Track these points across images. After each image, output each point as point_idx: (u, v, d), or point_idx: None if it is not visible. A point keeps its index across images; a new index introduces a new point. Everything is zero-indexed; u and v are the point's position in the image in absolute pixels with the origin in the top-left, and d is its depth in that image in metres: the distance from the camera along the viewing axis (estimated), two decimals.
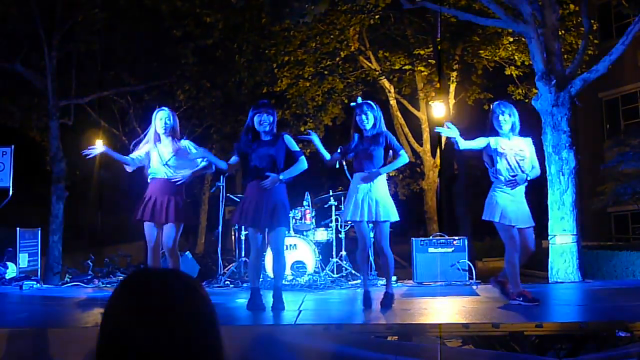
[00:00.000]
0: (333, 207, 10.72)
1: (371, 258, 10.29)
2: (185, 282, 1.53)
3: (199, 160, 7.52)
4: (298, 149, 7.10)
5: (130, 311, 1.44)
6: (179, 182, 7.35)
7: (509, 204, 6.99)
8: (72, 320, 6.64)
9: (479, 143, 7.22)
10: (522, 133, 7.30)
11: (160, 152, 7.41)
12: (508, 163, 7.09)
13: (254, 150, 6.91)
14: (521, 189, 7.13)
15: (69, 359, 4.96)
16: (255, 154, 6.89)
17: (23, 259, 10.99)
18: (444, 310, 7.05)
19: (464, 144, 7.17)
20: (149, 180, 7.46)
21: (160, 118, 7.55)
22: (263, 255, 7.12)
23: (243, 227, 10.29)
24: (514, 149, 7.12)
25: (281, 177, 6.86)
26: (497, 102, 7.39)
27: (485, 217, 7.15)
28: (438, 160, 20.65)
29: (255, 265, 7.03)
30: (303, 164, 7.09)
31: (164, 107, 7.76)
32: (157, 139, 7.51)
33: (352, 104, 7.52)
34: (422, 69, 20.10)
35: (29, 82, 17.17)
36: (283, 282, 8.13)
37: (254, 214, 6.78)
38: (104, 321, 1.48)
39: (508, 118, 7.16)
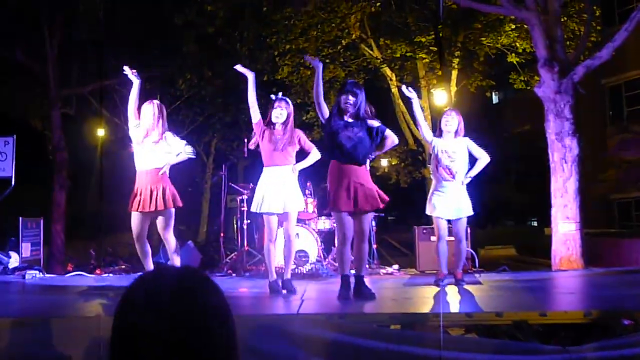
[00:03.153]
0: None
1: (373, 246, 10.30)
2: (199, 278, 1.52)
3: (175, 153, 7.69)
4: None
5: (144, 309, 1.43)
6: (162, 171, 7.50)
7: (440, 199, 7.93)
8: (74, 310, 6.63)
9: (425, 128, 8.27)
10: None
11: (147, 144, 7.51)
12: (441, 163, 7.95)
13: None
14: (456, 185, 7.93)
15: (71, 348, 4.95)
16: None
17: (26, 249, 10.98)
18: (447, 298, 7.03)
19: (416, 111, 8.13)
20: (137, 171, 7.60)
21: (147, 110, 7.60)
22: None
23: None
24: (448, 151, 7.95)
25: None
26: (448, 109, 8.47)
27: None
28: None
29: (344, 252, 6.86)
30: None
31: (153, 100, 7.78)
32: (147, 133, 7.57)
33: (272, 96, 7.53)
34: (424, 56, 20.06)
35: (30, 72, 17.16)
36: None
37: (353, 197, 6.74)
38: (118, 318, 1.46)
39: (451, 121, 8.06)
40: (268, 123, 7.36)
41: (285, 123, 7.32)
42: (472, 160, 8.16)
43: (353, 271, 6.79)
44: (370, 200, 6.72)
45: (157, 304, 1.43)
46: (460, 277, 7.92)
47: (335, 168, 6.79)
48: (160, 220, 7.51)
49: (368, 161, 7.13)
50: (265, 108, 7.59)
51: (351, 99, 6.78)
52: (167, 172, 7.57)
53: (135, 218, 7.46)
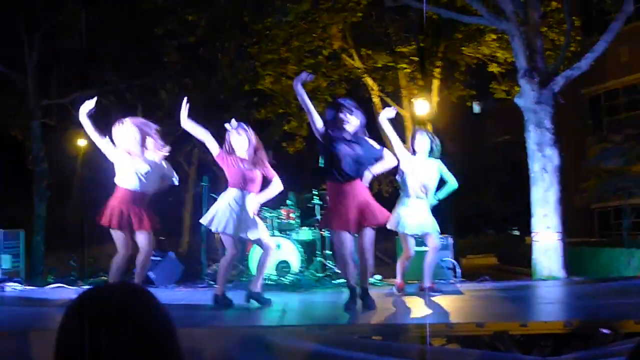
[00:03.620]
0: (317, 206, 10.69)
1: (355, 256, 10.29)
2: (138, 294, 1.52)
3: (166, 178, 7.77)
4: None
5: (83, 331, 1.43)
6: (149, 194, 7.54)
7: (406, 214, 8.08)
8: (55, 322, 6.57)
9: (397, 145, 8.00)
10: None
11: (135, 163, 7.45)
12: (413, 180, 8.10)
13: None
14: (424, 202, 8.17)
15: None
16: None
17: (6, 261, 10.90)
18: (429, 309, 7.04)
19: (385, 126, 7.80)
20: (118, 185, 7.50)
21: (128, 130, 7.53)
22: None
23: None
24: (421, 170, 8.14)
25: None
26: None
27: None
28: None
29: (347, 268, 6.85)
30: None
31: (127, 119, 7.71)
32: (134, 150, 7.51)
33: (226, 124, 7.44)
34: (405, 66, 20.09)
35: (10, 82, 17.06)
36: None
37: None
38: (59, 341, 1.46)
39: (422, 141, 8.24)
40: (229, 151, 7.27)
41: (248, 150, 7.25)
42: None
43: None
44: (369, 216, 6.71)
45: (95, 320, 1.43)
46: (430, 288, 8.12)
47: (334, 187, 6.78)
48: (140, 241, 7.42)
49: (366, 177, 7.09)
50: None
51: (349, 117, 6.76)
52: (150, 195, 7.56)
53: (117, 236, 7.39)
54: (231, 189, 7.19)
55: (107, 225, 7.35)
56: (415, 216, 8.06)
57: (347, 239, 6.70)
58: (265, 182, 7.44)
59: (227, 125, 7.35)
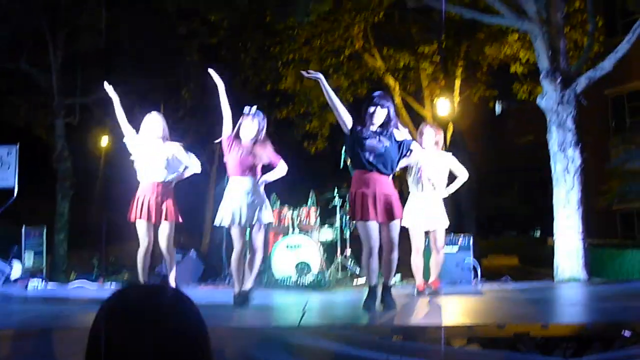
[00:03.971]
0: (337, 206, 10.68)
1: None
2: (172, 296, 1.53)
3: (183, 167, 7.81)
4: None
5: (116, 330, 1.44)
6: (169, 184, 7.69)
7: (417, 210, 8.12)
8: (76, 321, 6.61)
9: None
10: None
11: (152, 155, 7.62)
12: (424, 174, 8.19)
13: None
14: (435, 197, 8.25)
15: None
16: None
17: (28, 258, 11.00)
18: (449, 310, 7.03)
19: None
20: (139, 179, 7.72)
21: (155, 121, 7.73)
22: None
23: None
24: (431, 164, 8.22)
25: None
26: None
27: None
28: None
29: (371, 263, 6.81)
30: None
31: (154, 112, 7.95)
32: (150, 141, 7.69)
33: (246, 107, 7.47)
34: (427, 66, 20.08)
35: (34, 81, 17.21)
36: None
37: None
38: (93, 331, 1.48)
39: (428, 135, 8.32)
40: (236, 135, 7.30)
41: (253, 138, 7.29)
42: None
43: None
44: (395, 209, 6.71)
45: (129, 321, 1.44)
46: (437, 287, 8.13)
47: (359, 177, 6.75)
48: (161, 232, 7.60)
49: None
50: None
51: (378, 110, 6.73)
52: (172, 185, 7.64)
53: (139, 227, 7.55)
54: (231, 178, 7.23)
55: (133, 220, 7.55)
56: (424, 211, 8.08)
57: (372, 228, 6.63)
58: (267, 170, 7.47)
59: (245, 109, 7.36)
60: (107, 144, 24.00)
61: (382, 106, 6.74)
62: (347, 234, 10.67)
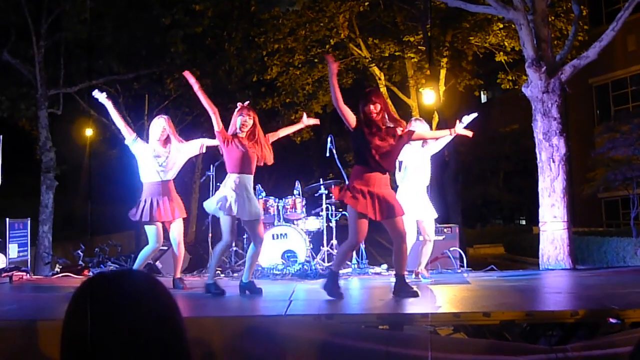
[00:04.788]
0: (323, 196, 10.68)
1: (362, 246, 10.29)
2: (143, 280, 1.53)
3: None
4: None
5: (89, 316, 1.43)
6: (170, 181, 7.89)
7: (411, 201, 8.18)
8: (62, 312, 6.57)
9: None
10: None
11: (155, 157, 7.77)
12: (414, 168, 8.43)
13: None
14: (423, 189, 8.51)
15: (59, 352, 4.92)
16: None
17: (13, 250, 10.92)
18: (435, 298, 7.04)
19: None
20: (143, 181, 7.88)
21: (160, 125, 7.91)
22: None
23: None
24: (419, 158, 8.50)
25: None
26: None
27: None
28: None
29: (346, 253, 7.00)
30: None
31: (162, 116, 8.13)
32: (154, 145, 7.85)
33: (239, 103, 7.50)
34: (412, 55, 20.09)
35: (17, 72, 17.09)
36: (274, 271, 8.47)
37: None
38: (65, 326, 1.47)
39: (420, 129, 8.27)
40: (234, 132, 7.30)
41: (252, 132, 7.31)
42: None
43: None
44: (396, 207, 6.71)
45: (100, 306, 1.44)
46: (421, 274, 8.44)
47: (361, 174, 6.73)
48: (175, 230, 7.84)
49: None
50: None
51: (378, 107, 6.75)
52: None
53: (153, 229, 7.74)
54: (231, 174, 7.22)
55: (139, 220, 7.69)
56: (411, 202, 8.12)
57: (364, 224, 6.67)
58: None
59: (239, 104, 7.40)
60: (91, 134, 23.89)
61: (377, 103, 6.76)
62: (333, 224, 10.69)
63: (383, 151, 6.68)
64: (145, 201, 7.69)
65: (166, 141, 7.85)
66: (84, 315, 1.44)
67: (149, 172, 7.75)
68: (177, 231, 7.81)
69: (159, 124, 7.86)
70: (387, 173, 6.84)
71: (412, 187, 8.31)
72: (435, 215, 8.49)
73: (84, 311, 1.45)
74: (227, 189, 7.20)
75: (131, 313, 1.43)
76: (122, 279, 1.53)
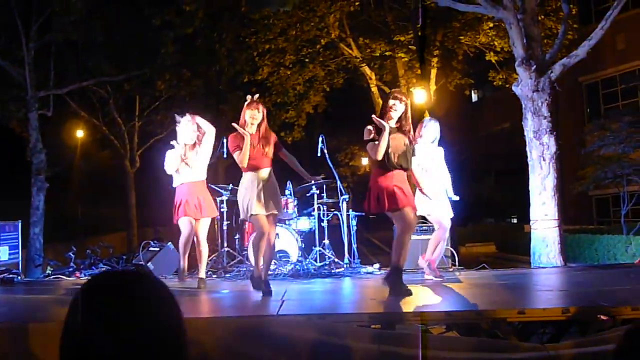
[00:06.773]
0: (315, 196, 10.67)
1: (354, 245, 10.30)
2: (148, 281, 1.52)
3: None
4: None
5: (92, 315, 1.43)
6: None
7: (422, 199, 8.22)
8: (54, 314, 6.57)
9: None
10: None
11: (184, 159, 8.05)
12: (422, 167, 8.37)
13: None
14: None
15: (50, 354, 4.92)
16: None
17: (3, 252, 10.89)
18: (427, 297, 7.05)
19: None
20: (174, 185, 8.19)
21: (188, 126, 8.15)
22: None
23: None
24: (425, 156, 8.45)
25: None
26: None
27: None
28: None
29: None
30: None
31: (187, 114, 8.27)
32: (183, 147, 8.13)
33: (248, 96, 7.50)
34: (403, 55, 20.10)
35: (6, 73, 17.03)
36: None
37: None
38: (67, 324, 1.46)
39: (433, 129, 8.71)
40: (242, 125, 7.27)
41: (260, 125, 7.28)
42: None
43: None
44: (401, 197, 6.75)
45: (101, 306, 1.43)
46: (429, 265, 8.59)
47: (382, 173, 6.80)
48: (203, 227, 8.17)
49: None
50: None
51: (400, 105, 6.90)
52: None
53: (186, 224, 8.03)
54: (246, 173, 7.20)
55: (179, 218, 8.06)
56: (422, 198, 8.15)
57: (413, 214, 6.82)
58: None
59: (248, 97, 7.43)
60: (82, 135, 23.82)
61: (401, 100, 6.93)
62: (325, 224, 10.68)
63: (400, 151, 6.81)
64: (180, 201, 8.08)
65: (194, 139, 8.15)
66: (85, 316, 1.43)
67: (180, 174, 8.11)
68: (203, 228, 8.20)
69: (185, 124, 8.16)
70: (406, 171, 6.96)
71: (429, 187, 8.28)
72: (451, 215, 8.54)
73: (83, 311, 1.45)
74: (242, 188, 7.22)
75: (132, 313, 1.43)
76: (123, 278, 1.53)
